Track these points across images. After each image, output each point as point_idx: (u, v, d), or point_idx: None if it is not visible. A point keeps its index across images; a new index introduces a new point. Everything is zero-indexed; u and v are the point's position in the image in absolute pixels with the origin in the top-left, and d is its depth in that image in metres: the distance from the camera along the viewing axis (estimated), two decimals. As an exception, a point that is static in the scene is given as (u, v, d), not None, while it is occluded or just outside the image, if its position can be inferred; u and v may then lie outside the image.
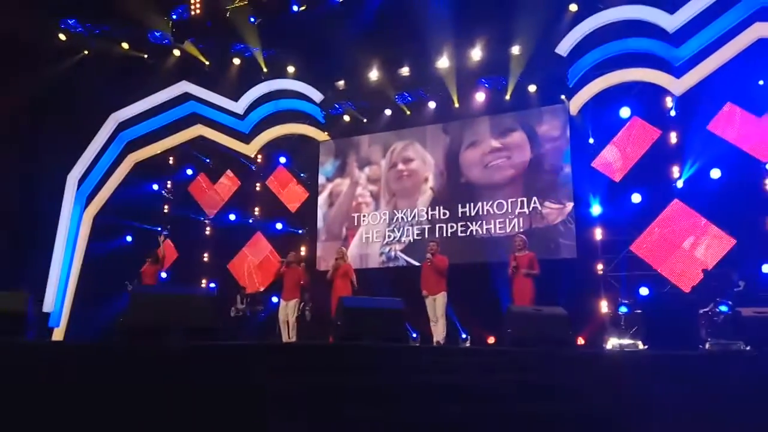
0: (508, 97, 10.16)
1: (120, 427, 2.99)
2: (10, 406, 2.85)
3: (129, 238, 12.26)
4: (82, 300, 11.38)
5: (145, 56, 11.53)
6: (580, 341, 8.56)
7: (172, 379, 3.22)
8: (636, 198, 9.10)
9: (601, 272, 9.14)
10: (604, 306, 8.89)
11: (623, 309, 8.31)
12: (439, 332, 7.33)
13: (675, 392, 3.86)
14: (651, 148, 9.17)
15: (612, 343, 7.79)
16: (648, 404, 3.81)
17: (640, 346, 7.21)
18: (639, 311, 7.98)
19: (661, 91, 9.20)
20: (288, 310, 8.25)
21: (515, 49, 9.78)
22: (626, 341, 7.58)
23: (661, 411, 3.74)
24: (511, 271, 7.20)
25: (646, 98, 9.37)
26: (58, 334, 10.88)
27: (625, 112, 9.47)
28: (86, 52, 11.40)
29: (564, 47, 9.45)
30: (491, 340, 9.17)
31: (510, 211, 9.54)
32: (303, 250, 11.58)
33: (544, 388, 3.92)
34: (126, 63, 11.47)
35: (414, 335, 8.87)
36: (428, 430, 3.42)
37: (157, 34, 11.17)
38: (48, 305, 10.67)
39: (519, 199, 9.53)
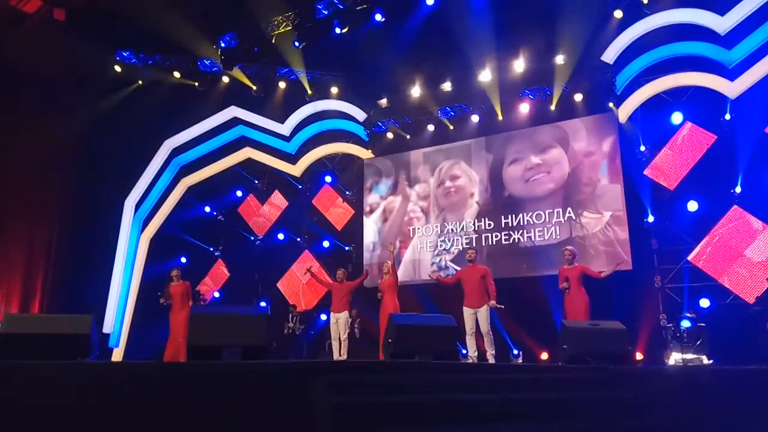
0: (553, 107, 10.03)
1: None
2: (82, 424, 2.97)
3: (183, 260, 12.64)
4: (140, 321, 11.78)
5: (196, 84, 11.97)
6: (638, 357, 8.25)
7: (229, 397, 3.28)
8: (692, 206, 8.76)
9: (659, 284, 8.81)
10: (662, 319, 8.54)
11: (686, 322, 7.93)
12: (487, 346, 7.05)
13: (744, 410, 3.66)
14: (706, 153, 8.84)
15: (674, 358, 7.46)
16: (717, 422, 3.63)
17: (705, 360, 6.88)
18: (702, 324, 7.63)
19: (714, 95, 8.87)
20: (339, 326, 8.16)
21: (559, 59, 9.67)
22: (690, 356, 7.24)
23: (729, 430, 3.55)
24: (563, 288, 6.99)
25: (699, 103, 9.06)
26: (117, 355, 11.27)
27: (677, 117, 9.18)
28: (140, 82, 11.93)
29: (610, 54, 9.27)
30: (544, 356, 8.95)
31: (549, 221, 9.71)
32: (350, 267, 11.67)
33: (603, 405, 3.78)
34: (178, 91, 11.93)
35: (516, 352, 8.79)
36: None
37: (207, 62, 11.59)
38: (108, 326, 11.09)
39: (558, 210, 9.68)
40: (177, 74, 11.79)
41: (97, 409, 3.11)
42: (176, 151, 12.34)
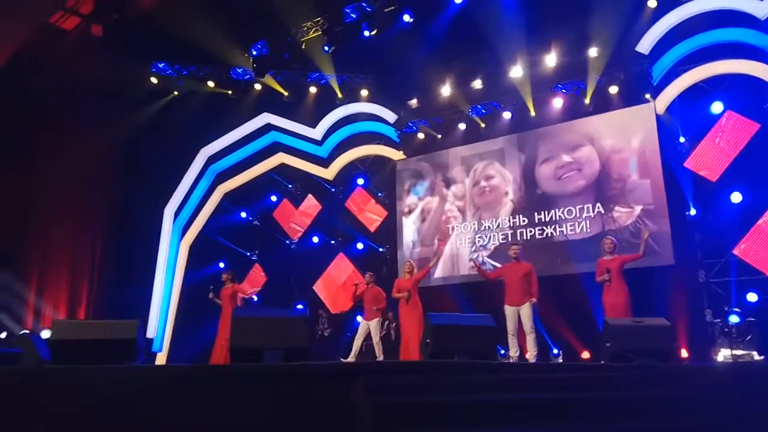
0: (587, 100, 9.86)
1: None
2: (132, 425, 3.07)
3: (222, 264, 12.89)
4: (182, 325, 12.07)
5: (230, 92, 12.20)
6: (684, 354, 8.02)
7: (271, 398, 3.34)
8: (736, 197, 8.47)
9: (703, 279, 8.55)
10: (708, 315, 8.28)
11: (734, 318, 7.65)
12: (530, 346, 6.86)
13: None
14: (749, 143, 8.53)
15: (723, 354, 7.22)
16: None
17: (756, 356, 6.65)
18: (752, 319, 7.36)
19: (755, 82, 8.55)
20: (371, 330, 8.04)
21: (592, 51, 9.50)
22: (740, 352, 6.99)
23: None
24: (602, 280, 6.64)
25: (740, 91, 8.74)
26: (161, 359, 11.57)
27: (717, 107, 8.89)
28: (176, 92, 12.22)
29: (645, 45, 9.06)
30: (585, 355, 8.78)
31: (581, 216, 9.75)
32: (384, 269, 11.71)
33: (650, 404, 3.70)
34: (212, 100, 12.19)
35: (556, 351, 8.63)
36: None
37: (239, 70, 11.81)
38: (151, 331, 11.39)
39: (589, 206, 9.74)
40: (211, 83, 12.03)
41: (146, 410, 3.21)
42: (212, 159, 12.61)
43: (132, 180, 11.63)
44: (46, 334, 9.23)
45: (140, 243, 11.75)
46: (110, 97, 11.00)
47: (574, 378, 4.17)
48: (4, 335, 8.99)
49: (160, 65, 11.77)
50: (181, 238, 12.49)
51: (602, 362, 4.98)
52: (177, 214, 12.33)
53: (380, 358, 7.89)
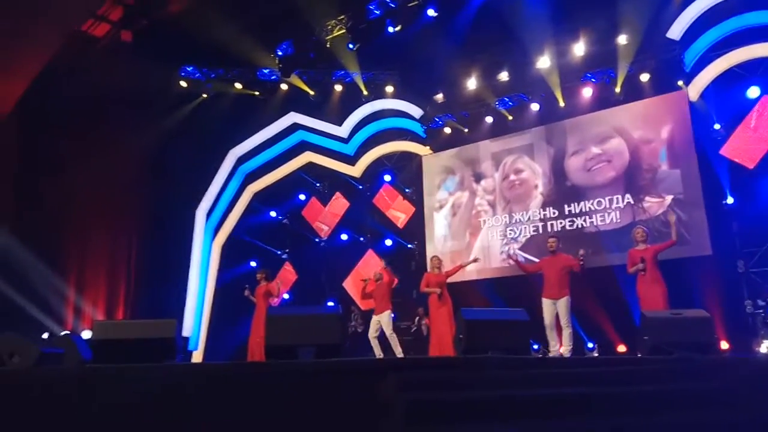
0: (618, 89, 9.67)
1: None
2: (172, 421, 3.15)
3: (253, 263, 13.07)
4: (216, 323, 12.28)
5: (257, 93, 12.32)
6: (724, 346, 7.81)
7: (305, 394, 3.37)
8: (776, 185, 8.22)
9: (742, 269, 8.30)
10: (748, 306, 8.04)
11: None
12: (565, 340, 6.76)
13: None
14: (789, 127, 8.25)
15: (766, 346, 7.01)
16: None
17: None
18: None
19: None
20: (383, 324, 7.92)
21: (622, 39, 9.30)
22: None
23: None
24: (636, 270, 6.44)
25: (778, 73, 8.48)
26: (197, 357, 11.80)
27: (753, 92, 8.61)
28: (205, 95, 12.38)
29: (676, 31, 8.84)
30: (621, 348, 8.63)
31: (612, 206, 9.67)
32: (413, 264, 11.70)
33: (690, 398, 3.62)
34: (240, 102, 12.32)
35: (591, 345, 8.51)
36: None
37: (266, 71, 11.91)
38: (187, 330, 11.62)
39: (620, 196, 9.65)
40: (238, 85, 12.16)
41: (185, 407, 3.28)
42: (241, 160, 12.78)
43: (164, 182, 11.86)
44: (86, 334, 9.52)
45: (174, 244, 11.99)
46: (141, 102, 11.22)
47: (611, 372, 4.10)
48: (46, 336, 9.28)
49: (189, 69, 11.95)
50: (213, 238, 12.70)
51: (640, 355, 4.89)
52: (209, 215, 12.55)
53: (398, 351, 7.82)
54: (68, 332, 9.30)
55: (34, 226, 9.60)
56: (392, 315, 8.17)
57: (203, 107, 12.35)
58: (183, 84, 11.98)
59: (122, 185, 11.51)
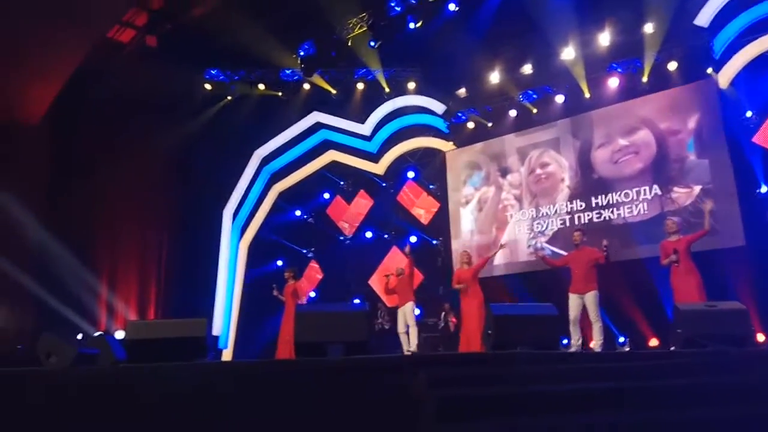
0: (645, 78, 9.49)
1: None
2: (209, 418, 3.21)
3: (279, 262, 13.20)
4: (245, 322, 12.45)
5: (279, 94, 12.40)
6: (760, 338, 7.62)
7: (335, 391, 3.40)
8: (813, 172, 7.97)
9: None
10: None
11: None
12: (596, 335, 6.66)
13: None
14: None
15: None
16: None
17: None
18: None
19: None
20: (406, 315, 7.90)
21: (648, 27, 9.13)
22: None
23: None
24: (670, 262, 6.28)
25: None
26: (226, 355, 11.97)
27: (787, 77, 8.38)
28: (229, 97, 12.52)
29: (704, 17, 8.63)
30: (653, 342, 8.49)
31: (639, 198, 9.56)
32: (438, 261, 11.68)
33: (725, 392, 3.54)
34: (263, 103, 12.42)
35: (622, 340, 8.45)
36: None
37: (288, 71, 11.99)
38: (216, 329, 11.80)
39: (648, 188, 9.53)
40: (262, 86, 12.25)
41: (218, 404, 3.34)
42: (266, 160, 12.91)
43: (192, 184, 12.06)
44: (119, 334, 9.73)
45: (202, 244, 12.18)
46: (168, 105, 11.42)
47: (643, 366, 4.03)
48: (80, 336, 9.52)
49: (213, 72, 12.10)
50: (240, 238, 12.87)
51: (673, 349, 4.80)
52: (235, 215, 12.71)
53: (414, 342, 7.78)
54: (102, 333, 9.52)
55: (67, 228, 9.85)
56: (417, 307, 8.13)
57: (228, 109, 12.48)
58: (207, 87, 12.13)
59: (151, 187, 11.73)
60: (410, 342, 7.84)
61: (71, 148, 10.73)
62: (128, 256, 11.51)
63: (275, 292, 8.63)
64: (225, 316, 12.11)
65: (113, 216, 11.15)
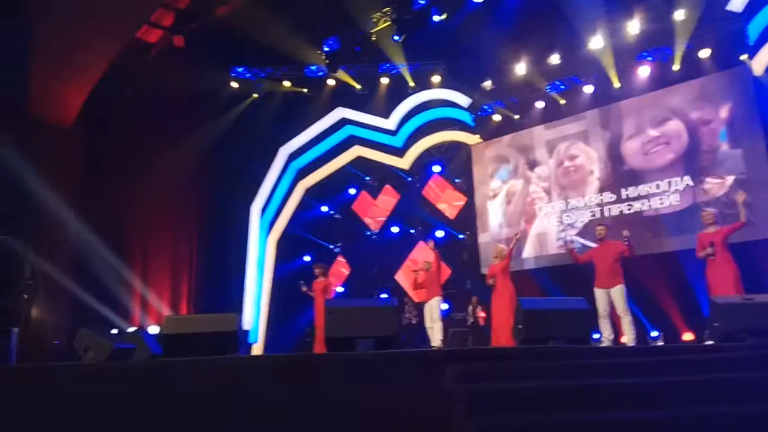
0: (676, 67, 9.27)
1: (320, 426, 3.26)
2: (247, 410, 3.27)
3: (307, 258, 13.32)
4: (274, 316, 12.61)
5: (305, 90, 12.46)
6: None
7: (366, 385, 3.42)
8: None
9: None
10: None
11: None
12: (626, 329, 6.56)
13: None
14: None
15: None
16: None
17: None
18: None
19: None
20: (432, 310, 7.93)
21: (679, 14, 8.91)
22: None
23: None
24: (706, 255, 6.10)
25: None
26: (257, 350, 12.14)
27: (828, 61, 8.08)
28: (255, 95, 12.63)
29: (738, 2, 8.40)
30: (687, 336, 8.32)
31: (671, 189, 9.41)
32: (465, 255, 11.63)
33: (765, 386, 3.45)
34: (289, 99, 12.49)
35: (655, 334, 8.33)
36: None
37: (313, 68, 12.04)
38: (246, 323, 11.98)
39: (679, 178, 9.37)
40: (287, 83, 12.33)
41: (251, 397, 3.40)
42: (292, 156, 13.01)
43: (220, 181, 12.23)
44: (153, 329, 9.95)
45: (231, 240, 12.36)
46: (196, 104, 11.58)
47: (677, 361, 3.95)
48: (115, 332, 9.75)
49: (239, 70, 12.21)
50: (268, 233, 13.01)
51: (709, 343, 4.70)
52: (263, 211, 12.86)
53: (437, 338, 7.77)
54: (137, 328, 9.75)
55: (100, 226, 10.08)
56: (445, 302, 8.09)
57: (254, 106, 12.59)
58: (234, 85, 12.25)
59: (181, 184, 11.93)
60: (433, 337, 7.85)
61: (103, 149, 10.96)
62: (160, 253, 11.74)
63: (304, 288, 8.70)
64: (255, 311, 12.29)
65: (145, 213, 11.38)
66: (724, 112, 8.92)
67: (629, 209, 9.73)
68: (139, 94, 10.86)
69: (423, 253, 11.92)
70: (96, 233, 9.97)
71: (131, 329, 9.83)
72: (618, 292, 6.53)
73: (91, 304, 9.69)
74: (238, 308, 11.76)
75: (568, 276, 9.53)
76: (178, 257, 12.02)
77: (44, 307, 7.92)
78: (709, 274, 6.20)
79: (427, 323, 8.03)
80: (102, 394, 3.57)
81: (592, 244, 9.08)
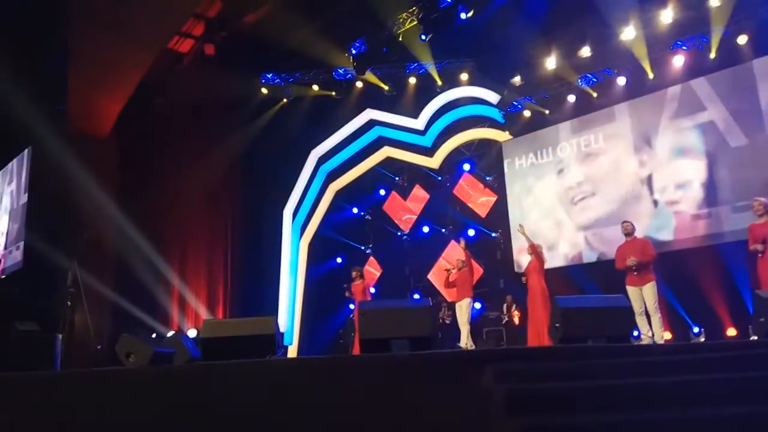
0: (713, 55, 8.98)
1: (357, 426, 3.27)
2: (287, 412, 3.31)
3: (339, 260, 13.40)
4: (307, 318, 12.73)
5: (333, 93, 12.53)
6: None
7: (402, 386, 3.42)
8: None
9: None
10: None
11: None
12: (655, 327, 6.42)
13: None
14: None
15: None
16: None
17: None
18: None
19: None
20: (462, 310, 7.96)
21: (714, 0, 8.62)
22: None
23: None
24: (755, 250, 5.84)
25: None
26: (292, 351, 12.27)
27: None
28: (285, 100, 12.77)
29: (777, -15, 8.08)
30: (731, 332, 8.06)
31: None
32: (498, 254, 11.51)
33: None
34: (318, 103, 12.58)
35: (697, 330, 8.15)
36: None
37: (341, 71, 12.10)
38: (281, 326, 12.13)
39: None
40: (315, 87, 12.40)
41: (291, 399, 3.44)
42: (322, 159, 13.13)
43: (253, 186, 12.43)
44: (191, 333, 10.15)
45: (265, 244, 12.54)
46: (227, 111, 11.80)
47: (720, 358, 3.84)
48: (153, 336, 9.98)
49: (269, 76, 12.36)
50: (301, 236, 13.15)
51: (754, 338, 4.55)
52: (295, 214, 13.00)
53: (464, 342, 7.72)
54: (176, 332, 9.96)
55: (138, 233, 10.33)
56: (478, 301, 8.04)
57: (284, 111, 12.73)
58: (264, 91, 12.41)
59: (215, 190, 12.18)
60: (461, 340, 7.83)
61: (139, 157, 11.25)
62: (197, 257, 11.98)
63: (347, 293, 8.78)
64: (289, 313, 12.43)
65: (181, 220, 11.63)
66: (765, 99, 8.59)
67: (667, 201, 9.45)
68: (172, 102, 11.11)
69: (455, 252, 11.86)
70: (134, 240, 10.23)
71: (170, 333, 10.05)
72: (650, 289, 6.45)
73: (131, 309, 9.94)
74: (273, 311, 11.90)
75: (606, 272, 9.33)
76: (214, 261, 12.25)
77: (86, 314, 8.15)
78: (760, 268, 5.92)
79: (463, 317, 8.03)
80: (146, 398, 3.66)
81: None
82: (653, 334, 6.47)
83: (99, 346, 8.99)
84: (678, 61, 9.40)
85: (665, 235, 9.18)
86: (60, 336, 7.10)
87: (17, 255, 9.80)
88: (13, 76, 8.40)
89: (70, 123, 9.57)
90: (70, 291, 7.78)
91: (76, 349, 8.38)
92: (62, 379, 4.07)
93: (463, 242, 8.22)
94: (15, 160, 10.68)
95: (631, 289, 6.54)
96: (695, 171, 9.16)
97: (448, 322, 10.87)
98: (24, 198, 10.00)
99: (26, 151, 10.19)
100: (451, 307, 10.98)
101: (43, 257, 8.83)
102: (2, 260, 10.30)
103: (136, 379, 3.87)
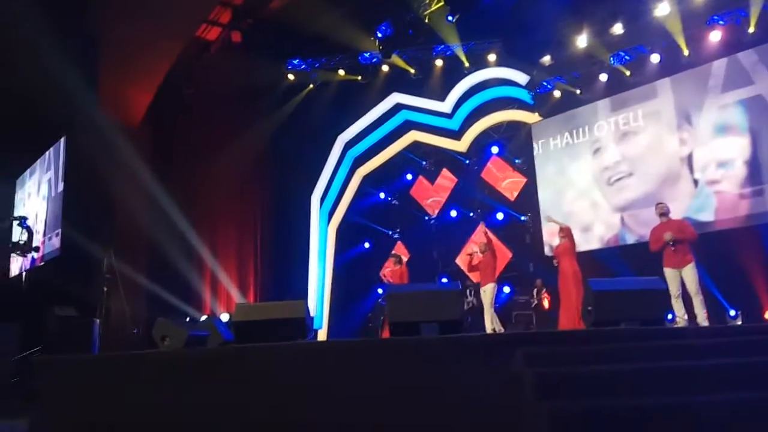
0: (752, 29, 8.64)
1: (388, 409, 3.30)
2: (319, 393, 3.36)
3: (367, 245, 13.45)
4: (336, 303, 12.85)
5: (359, 78, 12.47)
6: None
7: (432, 369, 3.43)
8: None
9: None
10: None
11: None
12: (697, 309, 6.32)
13: None
14: None
15: None
16: None
17: None
18: None
19: None
20: (486, 296, 7.97)
21: (753, -27, 8.29)
22: None
23: None
24: None
25: None
26: (321, 335, 12.43)
27: None
28: (311, 85, 12.77)
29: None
30: (770, 315, 7.86)
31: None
32: (527, 237, 11.38)
33: None
34: (344, 88, 12.53)
35: (733, 313, 8.01)
36: (709, 418, 3.04)
37: (366, 55, 12.02)
38: (311, 310, 12.27)
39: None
40: (342, 72, 12.33)
41: (320, 380, 3.49)
42: (349, 145, 13.13)
43: (281, 171, 12.53)
44: (224, 317, 10.36)
45: (293, 229, 12.67)
46: (255, 97, 11.88)
47: (759, 341, 3.74)
48: (187, 320, 10.21)
49: (295, 61, 12.37)
50: (328, 222, 13.23)
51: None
52: (322, 199, 13.08)
53: (488, 327, 7.69)
54: (209, 316, 10.18)
55: (170, 220, 10.54)
56: (507, 285, 8.01)
57: (310, 97, 12.73)
58: (291, 77, 12.42)
59: (244, 176, 12.33)
60: (486, 325, 7.83)
61: (168, 145, 11.44)
62: (227, 243, 12.18)
63: (384, 279, 8.85)
64: (318, 297, 12.57)
65: (211, 207, 11.81)
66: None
67: (706, 180, 9.12)
68: (201, 90, 11.23)
69: (483, 237, 11.78)
70: (167, 227, 10.45)
71: (203, 317, 10.28)
72: (689, 271, 6.32)
73: (166, 295, 10.19)
74: (303, 295, 12.04)
75: (641, 254, 9.14)
76: (244, 247, 12.43)
77: (123, 299, 8.40)
78: None
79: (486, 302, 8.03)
80: (181, 379, 3.76)
81: None
82: (696, 317, 6.34)
83: (135, 330, 9.25)
84: (714, 36, 9.07)
85: (705, 216, 8.90)
86: (97, 321, 7.34)
87: (56, 242, 10.13)
88: (47, 67, 8.61)
89: (102, 112, 9.78)
90: (107, 277, 8.02)
91: (113, 333, 8.63)
92: (105, 361, 4.22)
93: (483, 226, 8.19)
94: (51, 149, 10.99)
95: (669, 271, 6.42)
96: (738, 149, 8.79)
97: (476, 305, 10.84)
98: (60, 186, 10.30)
99: (62, 140, 10.48)
100: (476, 289, 10.96)
101: (80, 245, 9.10)
102: (41, 247, 10.66)
103: (171, 362, 3.98)
